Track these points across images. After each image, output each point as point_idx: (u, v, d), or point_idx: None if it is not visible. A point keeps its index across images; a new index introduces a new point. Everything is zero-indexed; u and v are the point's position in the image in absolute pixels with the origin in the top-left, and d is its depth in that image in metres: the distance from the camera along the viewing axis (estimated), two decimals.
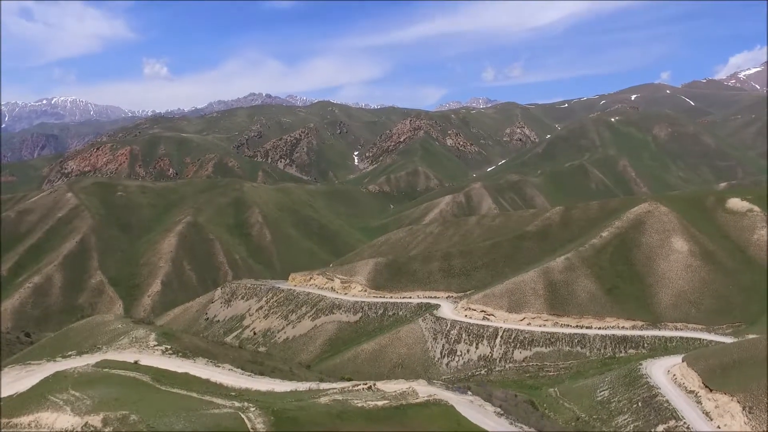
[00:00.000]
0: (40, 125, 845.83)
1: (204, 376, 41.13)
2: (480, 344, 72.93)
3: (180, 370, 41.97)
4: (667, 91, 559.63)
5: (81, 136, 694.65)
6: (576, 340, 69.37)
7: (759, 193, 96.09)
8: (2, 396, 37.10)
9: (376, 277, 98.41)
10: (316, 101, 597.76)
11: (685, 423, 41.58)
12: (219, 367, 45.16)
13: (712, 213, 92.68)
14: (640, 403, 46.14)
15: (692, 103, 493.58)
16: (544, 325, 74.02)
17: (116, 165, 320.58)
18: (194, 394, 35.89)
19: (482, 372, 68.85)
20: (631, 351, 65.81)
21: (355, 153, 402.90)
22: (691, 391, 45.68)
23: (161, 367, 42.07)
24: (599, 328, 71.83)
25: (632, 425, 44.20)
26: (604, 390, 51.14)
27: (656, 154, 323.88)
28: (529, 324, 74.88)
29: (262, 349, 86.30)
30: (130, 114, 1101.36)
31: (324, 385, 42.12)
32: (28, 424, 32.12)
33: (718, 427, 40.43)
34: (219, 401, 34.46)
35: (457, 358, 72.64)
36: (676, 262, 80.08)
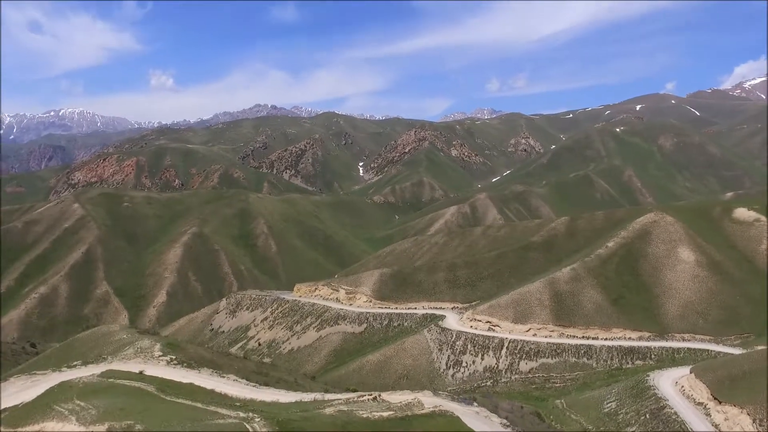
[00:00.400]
0: (48, 136, 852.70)
1: (209, 387, 41.04)
2: (486, 355, 72.50)
3: (185, 381, 41.91)
4: (672, 101, 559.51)
5: (88, 148, 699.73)
6: (582, 351, 68.85)
7: (766, 203, 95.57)
8: (8, 406, 37.12)
9: (381, 287, 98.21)
10: (321, 112, 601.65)
11: None
12: (224, 377, 45.07)
13: (719, 223, 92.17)
14: (647, 415, 45.66)
15: (697, 113, 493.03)
16: (550, 336, 73.56)
17: (122, 176, 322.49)
18: (199, 405, 35.81)
19: (488, 383, 68.38)
20: (638, 362, 65.23)
21: (360, 164, 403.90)
22: (700, 403, 45.20)
23: (166, 378, 42.02)
24: (606, 339, 71.31)
25: None
26: (611, 402, 50.67)
27: (662, 164, 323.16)
28: (534, 335, 74.43)
29: (267, 359, 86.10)
30: (136, 125, 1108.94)
31: (329, 396, 41.94)
32: None
33: None
34: (224, 411, 34.37)
35: (462, 369, 72.20)
36: (683, 273, 79.56)
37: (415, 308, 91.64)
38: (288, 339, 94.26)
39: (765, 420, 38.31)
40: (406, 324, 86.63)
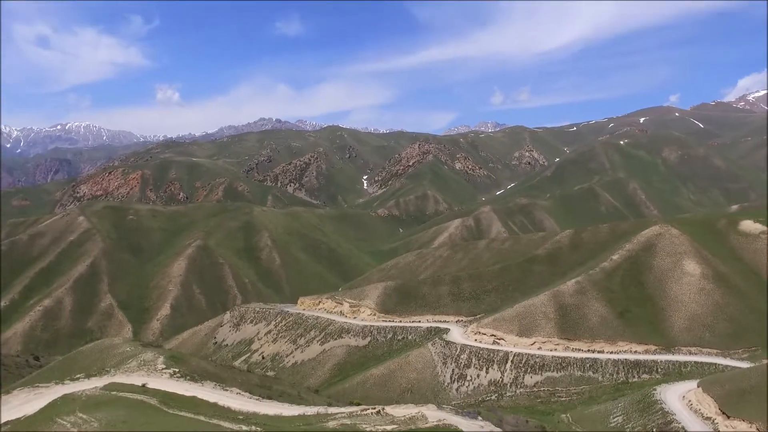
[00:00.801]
0: (54, 150, 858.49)
1: (212, 400, 40.82)
2: (490, 369, 71.99)
3: (188, 394, 41.70)
4: (676, 114, 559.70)
5: (93, 161, 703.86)
6: (588, 365, 68.30)
7: (767, 214, 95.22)
8: (11, 419, 36.99)
9: (385, 301, 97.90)
10: (325, 126, 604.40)
11: None
12: (227, 390, 44.84)
13: (725, 235, 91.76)
14: (655, 430, 45.12)
15: (701, 126, 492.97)
16: (555, 350, 73.03)
17: (128, 189, 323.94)
18: (202, 418, 35.59)
19: (493, 397, 67.80)
20: (645, 376, 64.66)
21: (365, 177, 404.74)
22: (708, 418, 44.66)
23: (169, 391, 41.82)
24: (611, 353, 70.74)
25: None
26: (617, 416, 50.12)
27: (666, 176, 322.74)
28: (539, 348, 73.92)
29: (270, 373, 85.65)
30: (142, 139, 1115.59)
31: (332, 410, 41.62)
32: None
33: None
34: (226, 425, 34.13)
35: (467, 383, 71.67)
36: (689, 285, 79.05)
37: (420, 321, 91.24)
38: (292, 352, 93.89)
39: None
40: (410, 337, 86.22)
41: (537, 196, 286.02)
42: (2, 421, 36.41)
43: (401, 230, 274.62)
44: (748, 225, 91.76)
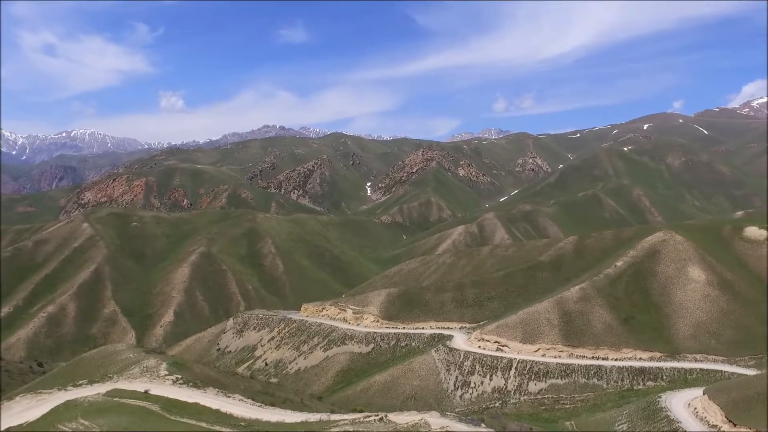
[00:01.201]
0: (59, 157, 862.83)
1: (214, 406, 40.71)
2: (494, 376, 71.62)
3: (190, 400, 41.61)
4: (680, 120, 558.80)
5: (98, 168, 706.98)
6: (592, 372, 67.88)
7: (767, 220, 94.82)
8: (13, 425, 36.93)
9: (388, 307, 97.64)
10: (329, 133, 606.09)
11: None
12: (229, 397, 44.73)
13: (729, 242, 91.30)
14: None
15: (705, 132, 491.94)
16: (559, 356, 72.63)
17: (132, 196, 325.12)
18: (204, 424, 35.48)
19: (496, 404, 67.43)
20: (650, 383, 64.18)
21: (368, 184, 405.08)
22: (714, 426, 44.27)
23: (171, 397, 41.74)
24: (616, 360, 70.29)
25: None
26: (622, 423, 49.76)
27: (670, 183, 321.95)
28: (543, 355, 73.53)
29: (273, 380, 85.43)
30: (146, 146, 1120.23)
31: (335, 417, 41.44)
32: None
33: None
34: (228, 431, 34.02)
35: (470, 390, 71.30)
36: (694, 292, 78.60)
37: (423, 328, 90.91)
38: (295, 359, 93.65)
39: None
40: (413, 344, 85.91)
41: (541, 203, 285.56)
42: (3, 428, 36.35)
43: (405, 237, 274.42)
44: (753, 231, 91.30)
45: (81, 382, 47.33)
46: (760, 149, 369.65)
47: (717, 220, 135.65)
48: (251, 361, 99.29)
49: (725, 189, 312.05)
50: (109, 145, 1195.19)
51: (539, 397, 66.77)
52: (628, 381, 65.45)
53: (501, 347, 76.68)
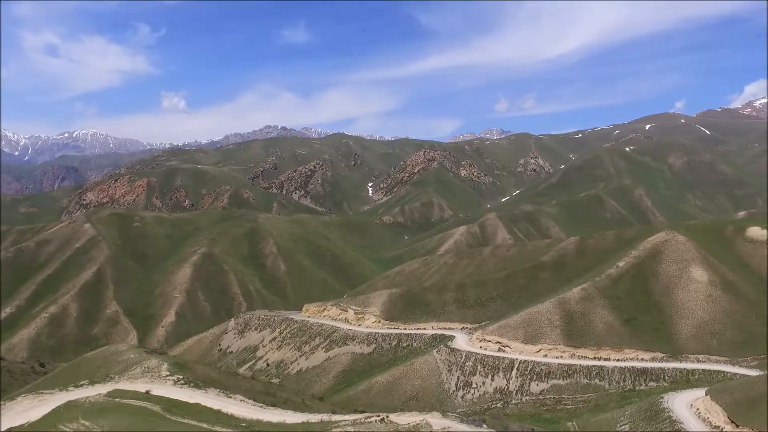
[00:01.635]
0: (62, 158, 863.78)
1: (215, 407, 40.67)
2: (496, 376, 71.55)
3: (191, 401, 41.57)
4: (682, 120, 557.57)
5: (100, 168, 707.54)
6: (594, 372, 67.77)
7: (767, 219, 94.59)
8: (14, 425, 36.94)
9: (390, 308, 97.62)
10: (330, 133, 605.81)
11: None
12: (231, 397, 44.68)
13: (732, 242, 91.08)
14: None
15: (707, 132, 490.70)
16: (561, 357, 72.54)
17: (134, 196, 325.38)
18: (205, 425, 35.45)
19: (498, 405, 67.35)
20: (652, 384, 64.06)
21: (370, 184, 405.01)
22: (716, 427, 44.15)
23: (172, 398, 41.71)
24: (618, 360, 70.19)
25: None
26: (624, 424, 49.64)
27: (672, 183, 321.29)
28: (545, 355, 73.45)
29: (275, 380, 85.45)
30: (148, 146, 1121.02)
31: (336, 417, 41.37)
32: None
33: None
34: None
35: (472, 391, 71.23)
36: (696, 292, 78.43)
37: (424, 329, 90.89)
38: (296, 359, 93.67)
39: None
40: (415, 344, 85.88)
41: (542, 203, 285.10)
42: (4, 428, 36.36)
43: (406, 237, 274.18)
44: (756, 231, 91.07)
45: (82, 382, 47.35)
46: (762, 149, 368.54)
47: (719, 221, 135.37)
48: (253, 361, 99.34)
49: (727, 189, 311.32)
50: (111, 145, 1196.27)
51: (541, 397, 66.69)
52: (630, 381, 65.34)
53: (503, 348, 76.60)
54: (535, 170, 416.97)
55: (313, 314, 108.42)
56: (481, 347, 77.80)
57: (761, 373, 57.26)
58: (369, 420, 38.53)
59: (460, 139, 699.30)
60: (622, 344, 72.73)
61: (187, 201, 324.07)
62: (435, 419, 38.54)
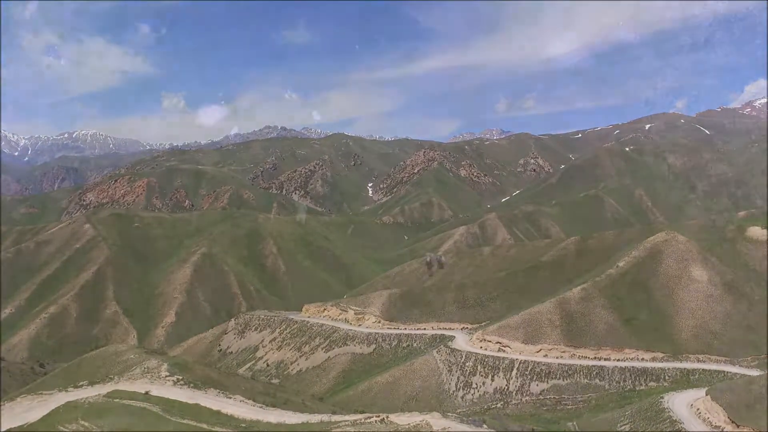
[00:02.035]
0: (61, 158, 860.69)
1: (215, 408, 40.63)
2: (496, 376, 71.47)
3: (191, 401, 41.54)
4: (682, 120, 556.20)
5: (100, 169, 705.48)
6: (594, 372, 67.70)
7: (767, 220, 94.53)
8: (13, 426, 36.88)
9: (390, 308, 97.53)
10: (330, 133, 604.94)
11: None
12: (230, 398, 44.62)
13: (732, 242, 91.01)
14: None
15: (707, 132, 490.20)
16: (561, 357, 72.46)
17: (134, 197, 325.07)
18: (204, 426, 35.41)
19: (498, 405, 67.27)
20: (652, 384, 64.00)
21: (369, 184, 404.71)
22: (717, 427, 44.10)
23: (172, 398, 41.68)
24: (618, 360, 70.12)
25: None
26: (624, 424, 49.58)
27: (672, 183, 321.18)
28: (545, 356, 73.37)
29: (275, 380, 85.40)
30: (148, 147, 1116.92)
31: (336, 418, 41.33)
32: None
33: None
34: None
35: (472, 391, 71.15)
36: (696, 292, 78.37)
37: (424, 329, 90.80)
38: (296, 360, 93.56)
39: None
40: (415, 345, 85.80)
41: (542, 203, 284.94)
42: (4, 429, 36.31)
43: (406, 237, 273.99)
44: (756, 231, 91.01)
45: (82, 383, 47.29)
46: (761, 149, 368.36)
47: (719, 220, 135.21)
48: (253, 361, 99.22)
49: (727, 189, 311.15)
50: (111, 146, 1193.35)
51: (541, 397, 66.62)
52: (630, 381, 65.28)
53: (503, 348, 76.51)
54: (535, 170, 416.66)
55: (313, 314, 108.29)
56: (481, 347, 77.71)
57: (761, 373, 57.20)
58: (369, 420, 38.49)
59: (460, 139, 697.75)
60: (622, 344, 72.66)
61: (187, 201, 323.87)
62: (435, 419, 38.51)
